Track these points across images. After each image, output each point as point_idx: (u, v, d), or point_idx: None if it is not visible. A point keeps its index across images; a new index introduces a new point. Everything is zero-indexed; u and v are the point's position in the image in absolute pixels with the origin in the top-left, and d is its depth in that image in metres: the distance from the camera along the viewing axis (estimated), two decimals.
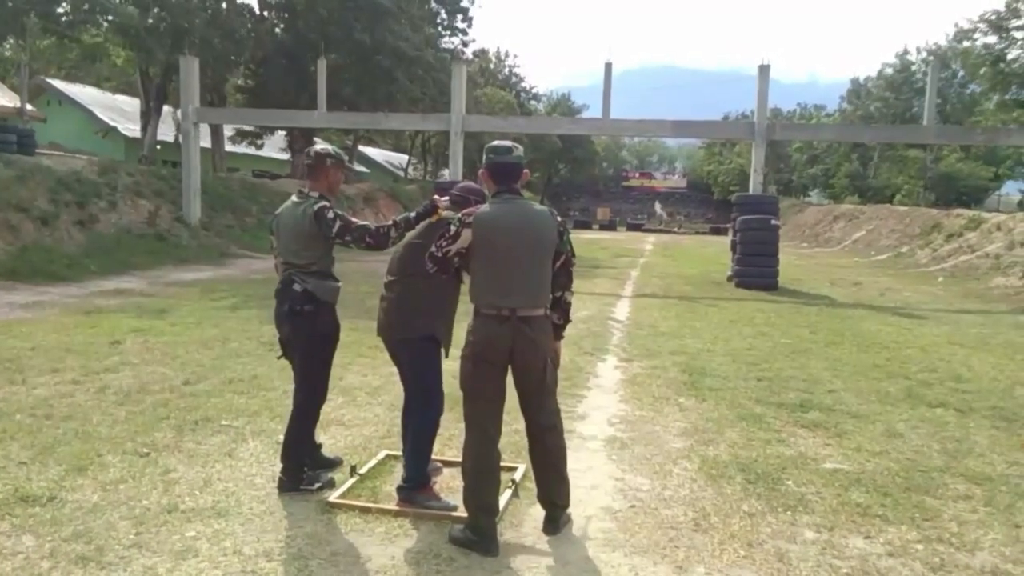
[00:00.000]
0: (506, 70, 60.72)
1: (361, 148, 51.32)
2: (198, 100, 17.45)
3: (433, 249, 3.23)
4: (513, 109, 50.67)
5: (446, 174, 30.97)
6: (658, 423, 5.40)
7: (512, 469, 4.20)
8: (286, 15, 28.24)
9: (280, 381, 6.10)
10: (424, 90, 27.58)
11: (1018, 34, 24.03)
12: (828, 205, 47.23)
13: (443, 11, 34.89)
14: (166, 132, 26.46)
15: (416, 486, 3.63)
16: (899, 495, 4.01)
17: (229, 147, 29.53)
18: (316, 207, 3.63)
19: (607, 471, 4.34)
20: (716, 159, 67.46)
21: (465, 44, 36.92)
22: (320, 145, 4.01)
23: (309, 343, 3.77)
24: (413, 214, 3.59)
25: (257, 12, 27.94)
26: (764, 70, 14.95)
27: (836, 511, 3.78)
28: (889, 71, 44.29)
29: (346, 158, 4.22)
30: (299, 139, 29.36)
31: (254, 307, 9.89)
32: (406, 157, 46.78)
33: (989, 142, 21.25)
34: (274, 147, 33.18)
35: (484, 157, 3.28)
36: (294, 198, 3.83)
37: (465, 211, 3.22)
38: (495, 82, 54.08)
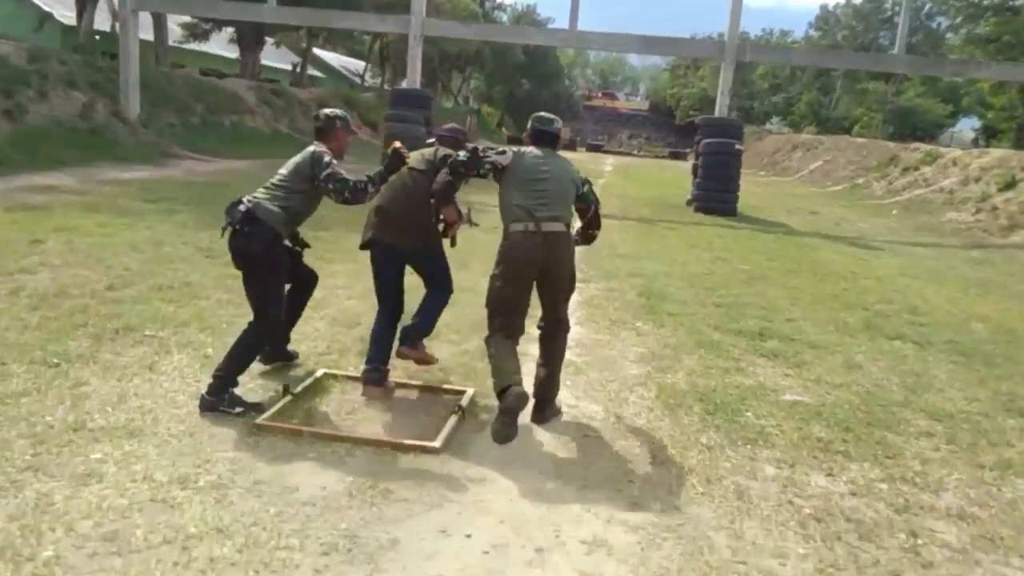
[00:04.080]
0: None
1: (317, 52, 48.96)
2: None
3: (480, 151, 3.74)
4: (477, 17, 48.64)
5: (404, 83, 29.77)
6: (615, 347, 5.18)
7: (459, 393, 3.93)
8: None
9: (215, 290, 5.68)
10: None
11: None
12: (787, 134, 47.21)
13: None
14: (105, 21, 24.58)
15: (420, 339, 4.13)
16: (861, 430, 3.88)
17: (173, 43, 27.70)
18: (316, 149, 3.78)
19: (561, 397, 4.10)
20: (680, 82, 66.51)
21: None
22: (329, 109, 4.11)
23: (248, 263, 3.75)
24: (383, 168, 3.77)
25: None
26: None
27: (797, 446, 3.62)
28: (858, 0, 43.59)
29: (352, 121, 4.28)
30: (248, 35, 27.69)
31: (193, 211, 9.29)
32: (363, 63, 44.70)
33: (959, 74, 21.08)
34: (222, 43, 31.17)
35: (529, 124, 3.91)
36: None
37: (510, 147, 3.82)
38: None
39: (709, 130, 14.73)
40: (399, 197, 3.94)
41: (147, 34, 25.40)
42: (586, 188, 3.85)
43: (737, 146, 14.29)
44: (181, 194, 10.96)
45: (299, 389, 3.78)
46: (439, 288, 4.16)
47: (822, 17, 52.57)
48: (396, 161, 3.73)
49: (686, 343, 5.36)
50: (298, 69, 34.07)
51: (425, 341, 4.21)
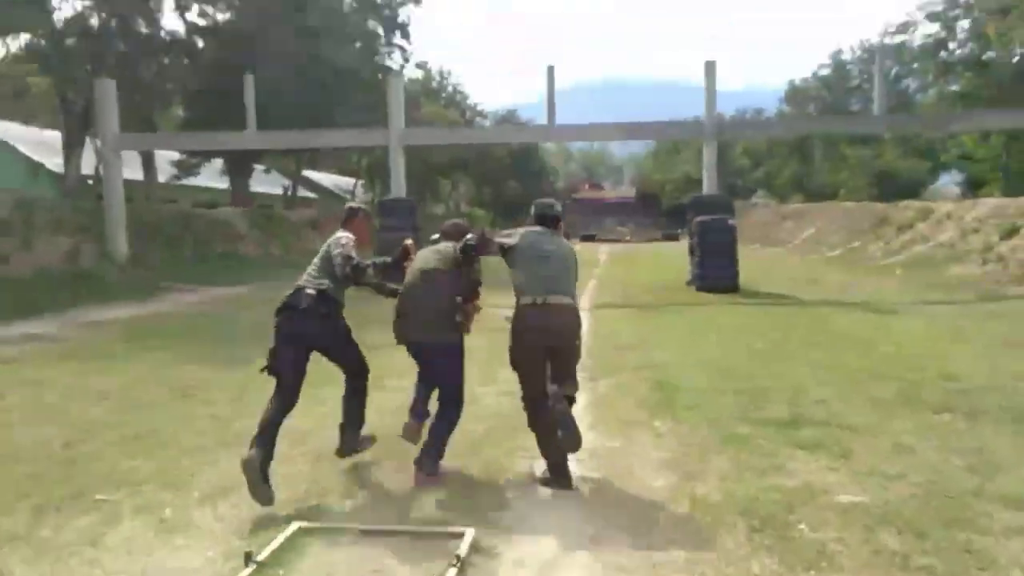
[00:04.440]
0: (449, 88, 60.03)
1: (308, 174, 50.05)
2: (117, 125, 16.21)
3: (486, 234, 4.28)
4: (458, 125, 50.04)
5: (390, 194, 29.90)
6: (632, 454, 4.60)
7: (457, 536, 3.34)
8: (212, 37, 27.10)
9: (184, 434, 5.14)
10: (366, 106, 26.62)
11: (960, 22, 24.21)
12: (773, 206, 47.57)
13: (380, 28, 34.01)
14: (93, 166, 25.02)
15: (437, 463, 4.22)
16: (939, 534, 3.26)
17: (165, 179, 28.18)
18: (338, 233, 4.25)
19: (576, 529, 3.50)
20: (663, 167, 67.83)
21: (406, 59, 36.02)
22: (354, 202, 4.75)
23: (336, 333, 4.33)
24: (391, 259, 4.30)
25: (184, 35, 26.74)
26: (710, 66, 14.47)
27: (870, 565, 3.01)
28: (825, 71, 44.90)
29: (370, 212, 4.89)
30: (236, 164, 28.17)
31: (174, 346, 8.84)
32: (354, 180, 45.55)
33: (938, 129, 21.13)
34: (213, 175, 31.68)
35: (532, 209, 4.46)
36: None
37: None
38: (438, 101, 53.37)
39: (700, 208, 14.53)
40: (421, 293, 4.22)
41: (138, 173, 25.88)
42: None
43: (730, 221, 14.04)
44: (165, 329, 10.55)
45: (266, 554, 3.18)
46: (453, 398, 4.32)
47: (791, 92, 54.08)
48: (403, 256, 4.28)
49: (711, 441, 4.77)
50: (289, 192, 34.54)
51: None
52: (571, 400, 4.21)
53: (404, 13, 34.10)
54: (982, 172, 31.44)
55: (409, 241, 4.35)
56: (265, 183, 36.85)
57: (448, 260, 4.25)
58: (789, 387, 6.26)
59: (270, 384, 4.21)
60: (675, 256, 27.10)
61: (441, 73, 59.12)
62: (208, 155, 27.53)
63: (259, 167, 33.88)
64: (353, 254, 4.08)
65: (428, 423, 4.34)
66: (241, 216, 23.84)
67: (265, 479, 3.77)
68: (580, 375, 6.77)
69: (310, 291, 4.12)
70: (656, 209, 65.69)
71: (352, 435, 4.46)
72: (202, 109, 25.99)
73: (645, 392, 6.23)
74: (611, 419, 5.43)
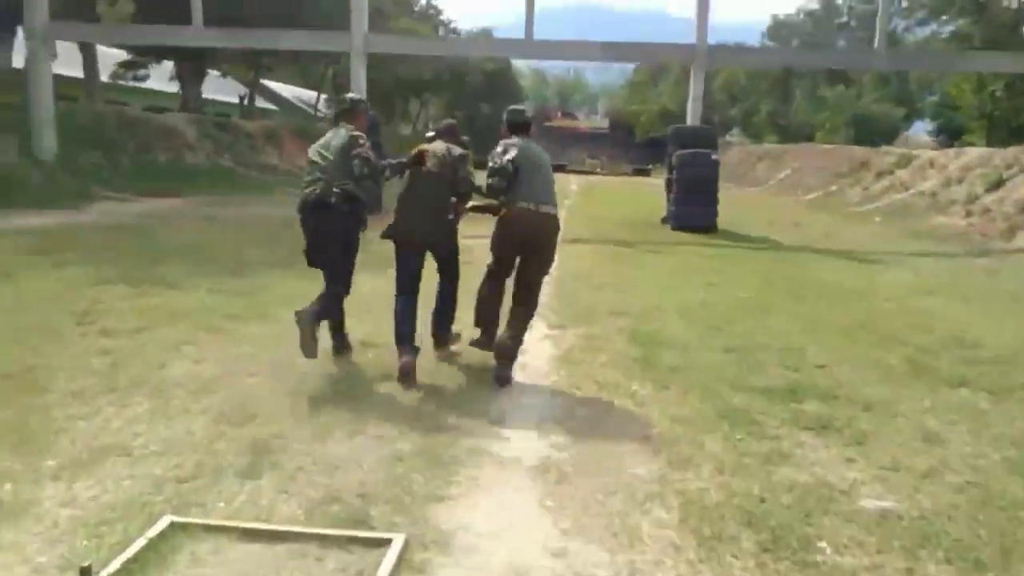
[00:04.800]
0: (423, 1, 56.98)
1: (269, 84, 47.43)
2: (46, 13, 14.46)
3: (493, 164, 4.46)
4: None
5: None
6: (608, 430, 3.81)
7: (382, 544, 2.53)
8: None
9: (69, 376, 4.22)
10: (335, 14, 24.61)
11: None
12: (750, 145, 46.71)
13: None
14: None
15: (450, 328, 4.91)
16: (997, 563, 2.54)
17: (108, 80, 26.08)
18: (354, 132, 4.41)
19: (540, 534, 2.72)
20: (639, 98, 66.19)
21: None
22: (353, 93, 5.03)
23: (350, 240, 4.52)
24: (405, 160, 4.61)
25: None
26: None
27: None
28: (813, 5, 43.43)
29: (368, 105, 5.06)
30: (187, 68, 26.18)
31: (86, 263, 7.77)
32: (316, 93, 43.18)
33: (945, 67, 20.03)
34: (164, 78, 29.51)
35: (504, 116, 4.75)
36: (336, 130, 4.50)
37: (503, 142, 4.59)
38: (410, 14, 50.58)
39: (681, 140, 13.56)
40: (422, 197, 4.52)
41: (77, 70, 23.84)
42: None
43: (714, 156, 13.14)
44: (83, 242, 9.41)
45: (124, 559, 2.32)
46: (454, 276, 4.80)
47: (774, 27, 52.49)
48: (419, 160, 4.52)
49: (703, 415, 4.01)
50: (245, 101, 32.52)
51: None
52: (511, 358, 4.56)
53: None
54: (964, 121, 30.80)
55: (425, 147, 4.61)
56: (221, 91, 34.65)
57: (446, 164, 4.53)
58: (783, 345, 5.53)
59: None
60: (650, 191, 26.24)
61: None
62: (157, 55, 25.47)
63: (214, 73, 31.68)
64: (371, 155, 4.37)
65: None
66: (189, 123, 22.16)
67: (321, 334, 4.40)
68: (548, 319, 6.00)
69: (336, 190, 4.30)
70: (630, 142, 64.39)
71: (340, 337, 4.87)
72: (153, 4, 23.83)
73: (621, 346, 5.44)
74: (582, 379, 4.63)
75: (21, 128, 14.98)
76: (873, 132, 41.45)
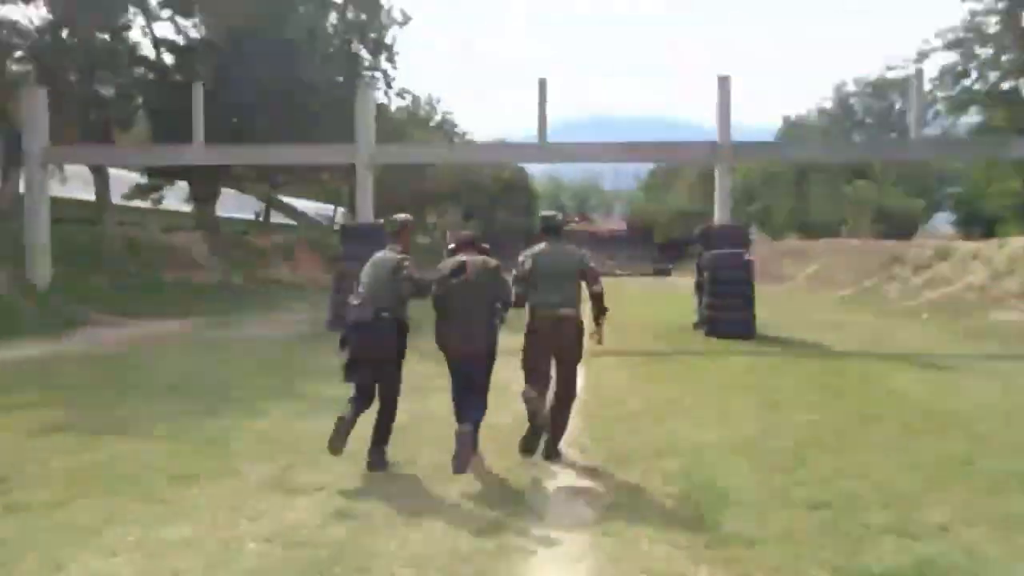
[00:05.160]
0: (438, 116, 58.45)
1: (288, 200, 48.04)
2: (46, 137, 14.17)
3: (516, 275, 4.99)
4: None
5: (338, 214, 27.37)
6: None
7: None
8: (181, 53, 25.27)
9: None
10: (346, 130, 24.66)
11: (980, 50, 22.61)
12: (771, 242, 45.95)
13: (363, 49, 32.35)
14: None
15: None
16: None
17: (122, 202, 26.07)
18: (400, 257, 4.83)
19: None
20: (655, 200, 66.47)
21: (389, 85, 34.29)
22: (400, 215, 5.18)
23: (399, 358, 4.88)
24: (449, 273, 4.76)
25: (153, 54, 24.88)
26: (724, 82, 12.62)
27: None
28: (827, 104, 43.62)
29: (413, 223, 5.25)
30: (200, 186, 26.13)
31: (45, 403, 6.75)
32: (333, 206, 43.53)
33: (992, 154, 18.89)
34: (180, 200, 29.54)
35: (539, 224, 5.30)
36: (379, 252, 4.98)
37: (526, 251, 5.12)
38: (426, 129, 51.66)
39: (712, 240, 12.59)
40: (463, 309, 4.74)
41: (89, 193, 23.77)
42: (589, 266, 5.02)
43: (747, 256, 12.12)
44: (52, 377, 8.43)
45: None
46: (483, 395, 4.88)
47: (787, 128, 52.84)
48: (460, 271, 4.73)
49: None
50: (260, 217, 32.50)
51: None
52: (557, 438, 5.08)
53: (390, 35, 32.62)
54: (994, 210, 29.79)
55: (464, 257, 4.78)
56: (238, 208, 34.84)
57: (485, 274, 4.77)
58: (883, 495, 4.26)
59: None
60: (674, 293, 25.22)
61: (430, 100, 57.66)
62: (169, 176, 25.47)
63: (229, 191, 31.82)
64: (416, 275, 4.75)
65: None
66: (200, 241, 21.78)
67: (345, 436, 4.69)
68: (576, 464, 4.81)
69: (385, 315, 4.67)
70: (648, 243, 64.09)
71: (379, 452, 4.91)
72: (165, 128, 24.01)
73: (673, 505, 4.20)
74: (626, 566, 3.39)
75: (17, 255, 14.42)
76: (894, 226, 40.62)
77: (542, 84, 13.13)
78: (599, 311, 4.98)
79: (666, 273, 50.04)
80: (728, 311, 11.88)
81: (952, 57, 24.31)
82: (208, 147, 13.74)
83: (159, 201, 26.73)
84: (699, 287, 13.11)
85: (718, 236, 12.60)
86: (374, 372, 4.80)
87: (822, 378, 8.43)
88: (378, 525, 3.92)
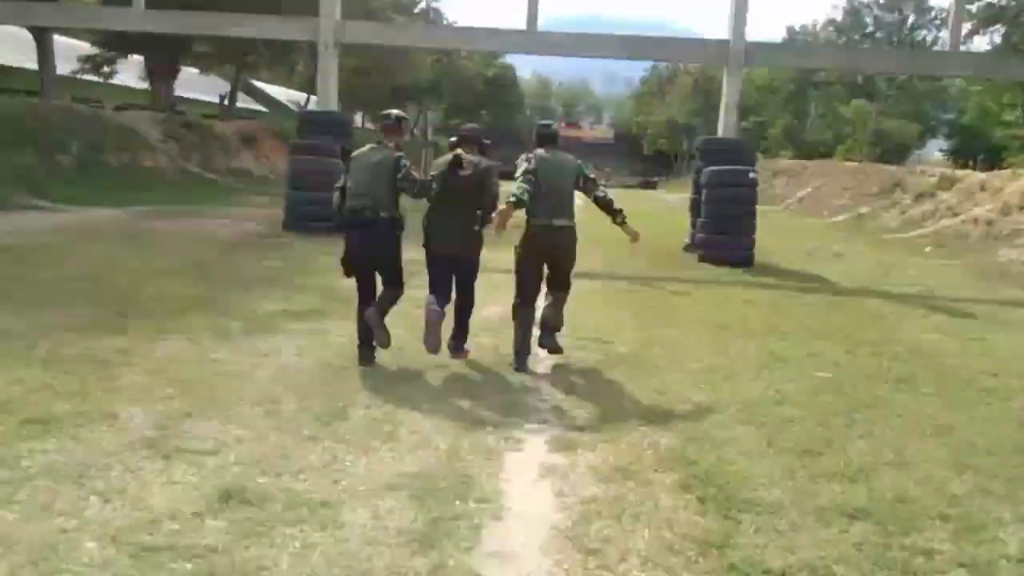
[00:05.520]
0: (422, 3, 54.71)
1: (260, 85, 45.25)
2: None
3: (520, 176, 4.87)
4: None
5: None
6: None
7: None
8: None
9: None
10: None
11: None
12: (763, 160, 44.49)
13: None
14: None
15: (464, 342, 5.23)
16: None
17: (71, 74, 23.87)
18: (398, 157, 4.78)
19: None
20: (645, 110, 64.13)
21: None
22: (394, 110, 5.11)
23: (396, 253, 4.91)
24: (442, 170, 4.85)
25: None
26: None
27: None
28: (838, 16, 41.20)
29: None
30: (157, 61, 23.97)
31: None
32: (306, 96, 40.86)
33: None
34: (135, 76, 27.22)
35: (534, 132, 5.25)
36: (371, 146, 4.89)
37: (528, 155, 5.00)
38: (409, 17, 48.31)
39: (713, 155, 11.29)
40: (453, 208, 4.87)
41: (31, 62, 21.64)
42: (588, 176, 5.12)
43: (751, 174, 10.89)
44: None
45: None
46: (471, 291, 5.18)
47: (791, 41, 50.29)
48: (457, 166, 4.78)
49: None
50: (226, 101, 30.32)
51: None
52: (555, 323, 5.18)
53: None
54: (1004, 140, 28.53)
55: (460, 151, 4.84)
56: (203, 91, 32.51)
57: (477, 174, 4.87)
58: (940, 500, 3.29)
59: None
60: (663, 208, 24.05)
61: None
62: (124, 48, 23.25)
63: (192, 71, 29.49)
64: (416, 177, 4.82)
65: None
66: (152, 122, 19.96)
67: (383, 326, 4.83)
68: (549, 430, 3.86)
69: (384, 214, 4.73)
70: (636, 154, 62.27)
71: (381, 332, 4.86)
72: None
73: (670, 501, 3.18)
74: None
75: None
76: (889, 151, 39.33)
77: None
78: (616, 216, 5.09)
79: (652, 186, 48.67)
80: (726, 234, 10.76)
81: None
82: (148, 12, 11.93)
83: (110, 75, 24.53)
84: (695, 205, 11.92)
85: (720, 150, 11.29)
86: (375, 268, 4.91)
87: (830, 321, 7.41)
88: (275, 518, 2.86)
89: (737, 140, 11.73)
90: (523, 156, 4.99)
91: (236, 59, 27.05)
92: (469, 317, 5.20)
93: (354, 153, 4.96)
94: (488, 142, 5.18)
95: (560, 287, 5.15)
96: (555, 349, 5.12)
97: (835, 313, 7.86)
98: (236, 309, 6.30)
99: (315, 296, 6.97)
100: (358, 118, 49.90)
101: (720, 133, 11.74)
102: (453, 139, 5.10)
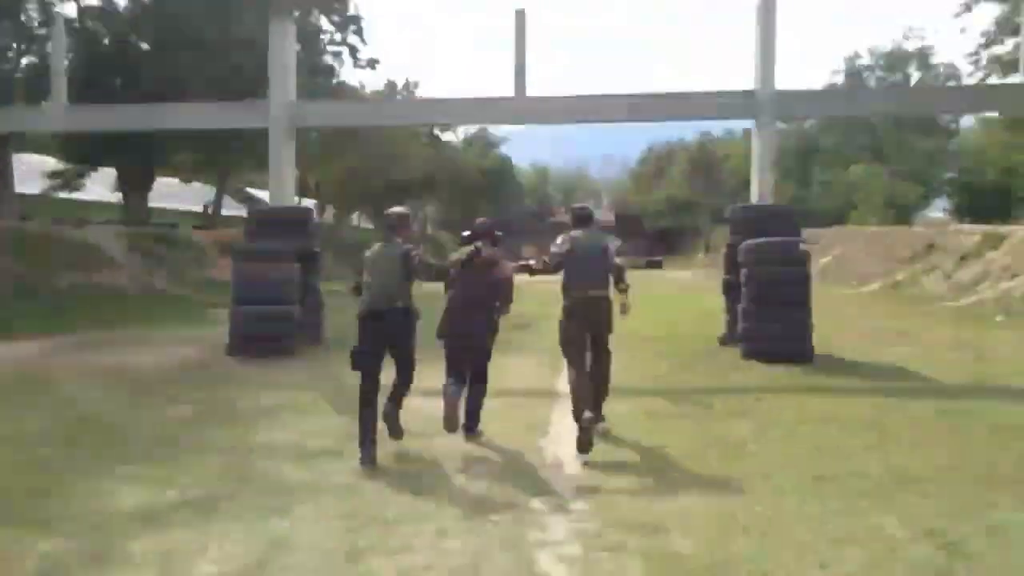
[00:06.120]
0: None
1: (255, 192, 44.37)
2: None
3: (552, 251, 5.54)
4: (419, 138, 44.94)
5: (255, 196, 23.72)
6: None
7: None
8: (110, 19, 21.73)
9: None
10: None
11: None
12: None
13: (324, 19, 28.74)
14: None
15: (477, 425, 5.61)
16: None
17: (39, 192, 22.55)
18: (406, 249, 5.07)
19: None
20: (645, 189, 63.25)
21: (356, 58, 30.64)
22: (396, 208, 5.51)
23: (411, 341, 5.14)
24: (465, 258, 5.32)
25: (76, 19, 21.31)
26: (767, 6, 9.25)
27: None
28: (839, 79, 40.13)
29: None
30: (128, 171, 22.58)
31: None
32: (298, 199, 39.81)
33: None
34: (106, 189, 25.81)
35: (570, 215, 5.86)
36: (380, 244, 5.19)
37: (564, 235, 5.62)
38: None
39: (750, 225, 9.22)
40: (472, 299, 5.40)
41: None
42: (616, 259, 5.61)
43: (803, 245, 8.80)
44: None
45: None
46: (483, 378, 5.60)
47: (829, 88, 49.31)
48: (475, 256, 5.27)
49: None
50: (209, 210, 28.92)
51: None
52: (602, 377, 5.61)
53: (353, 6, 29.05)
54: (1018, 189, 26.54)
55: (479, 244, 5.32)
56: (191, 201, 31.27)
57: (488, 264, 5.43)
58: None
59: None
60: (683, 292, 21.95)
61: (407, 86, 53.75)
62: (92, 161, 21.89)
63: (173, 181, 28.24)
64: (430, 262, 5.33)
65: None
66: (115, 236, 18.21)
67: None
68: None
69: (399, 304, 4.99)
70: (637, 233, 60.80)
71: (396, 425, 5.16)
72: (89, 99, 20.52)
73: None
74: None
75: None
76: (898, 214, 37.64)
77: (520, 18, 9.75)
78: (622, 288, 5.58)
79: (658, 266, 46.80)
80: (776, 324, 8.58)
81: (996, 9, 21.05)
82: (74, 107, 10.24)
83: (76, 189, 23.12)
84: (729, 288, 9.80)
85: (759, 219, 9.27)
86: (390, 355, 5.07)
87: (972, 448, 5.14)
88: None
89: (778, 206, 9.73)
90: (560, 237, 5.61)
91: (216, 163, 25.72)
92: (483, 400, 5.57)
93: (367, 253, 5.21)
94: (500, 233, 5.71)
95: (599, 354, 5.57)
96: (587, 441, 4.97)
97: (966, 434, 5.58)
98: (74, 511, 4.07)
99: (210, 473, 4.76)
100: (354, 218, 48.97)
101: (754, 198, 9.73)
102: (466, 233, 5.65)
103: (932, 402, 6.55)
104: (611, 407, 5.84)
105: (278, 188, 9.98)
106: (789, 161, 45.09)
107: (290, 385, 7.66)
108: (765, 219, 9.26)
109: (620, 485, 4.44)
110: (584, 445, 4.89)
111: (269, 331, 9.13)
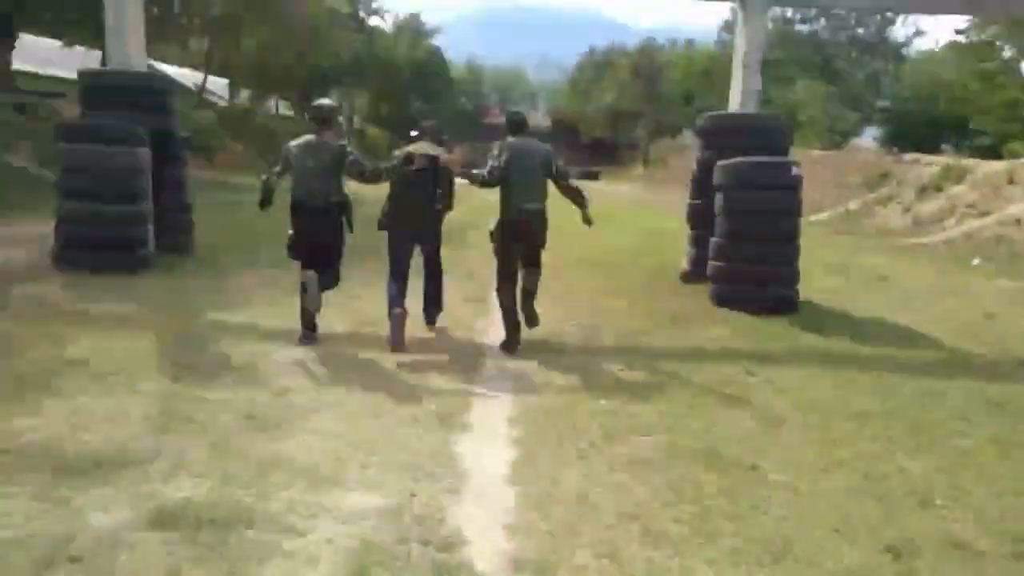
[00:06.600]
0: None
1: (158, 64, 39.60)
2: None
3: (491, 165, 5.22)
4: (345, 20, 40.87)
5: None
6: None
7: None
8: None
9: None
10: None
11: None
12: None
13: None
14: None
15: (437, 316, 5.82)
16: None
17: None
18: (342, 143, 5.13)
19: None
20: (583, 98, 60.47)
21: None
22: (325, 100, 5.43)
23: (342, 235, 5.21)
24: (396, 163, 5.27)
25: None
26: None
27: None
28: None
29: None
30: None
31: None
32: (203, 75, 35.40)
33: None
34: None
35: (506, 119, 5.57)
36: (311, 138, 5.05)
37: (500, 143, 5.34)
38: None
39: (728, 137, 7.33)
40: (413, 196, 5.36)
41: None
42: (558, 165, 5.38)
43: (794, 169, 7.00)
44: None
45: None
46: (438, 268, 5.73)
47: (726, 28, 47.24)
48: (407, 164, 5.24)
49: None
50: None
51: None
52: (531, 293, 5.47)
53: None
54: (1008, 129, 25.54)
55: (411, 149, 5.33)
56: (70, 67, 27.02)
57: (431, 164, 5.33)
58: None
59: None
60: (630, 209, 20.16)
61: None
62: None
63: (55, 43, 24.09)
64: (365, 164, 5.17)
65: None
66: None
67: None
68: None
69: (333, 199, 5.04)
70: (573, 142, 58.45)
71: (316, 295, 5.02)
72: None
73: None
74: None
75: None
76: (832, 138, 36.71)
77: None
78: (580, 202, 5.45)
79: (595, 178, 44.86)
80: (756, 265, 6.86)
81: None
82: None
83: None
84: (696, 216, 7.99)
85: (739, 130, 7.37)
86: (320, 251, 5.11)
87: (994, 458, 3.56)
88: None
89: (765, 116, 7.88)
90: (497, 145, 5.33)
91: (93, 22, 21.84)
92: (441, 291, 5.73)
93: (291, 144, 5.08)
94: (445, 137, 5.81)
95: (534, 263, 5.45)
96: (533, 317, 5.43)
97: (1002, 423, 4.02)
98: None
99: None
100: (271, 103, 44.68)
101: (734, 107, 7.80)
102: (413, 132, 5.63)
103: (974, 385, 4.96)
104: (549, 376, 3.99)
105: (118, 44, 7.39)
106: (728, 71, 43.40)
107: (112, 320, 5.51)
108: (748, 132, 7.35)
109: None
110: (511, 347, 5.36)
111: (109, 236, 6.83)
